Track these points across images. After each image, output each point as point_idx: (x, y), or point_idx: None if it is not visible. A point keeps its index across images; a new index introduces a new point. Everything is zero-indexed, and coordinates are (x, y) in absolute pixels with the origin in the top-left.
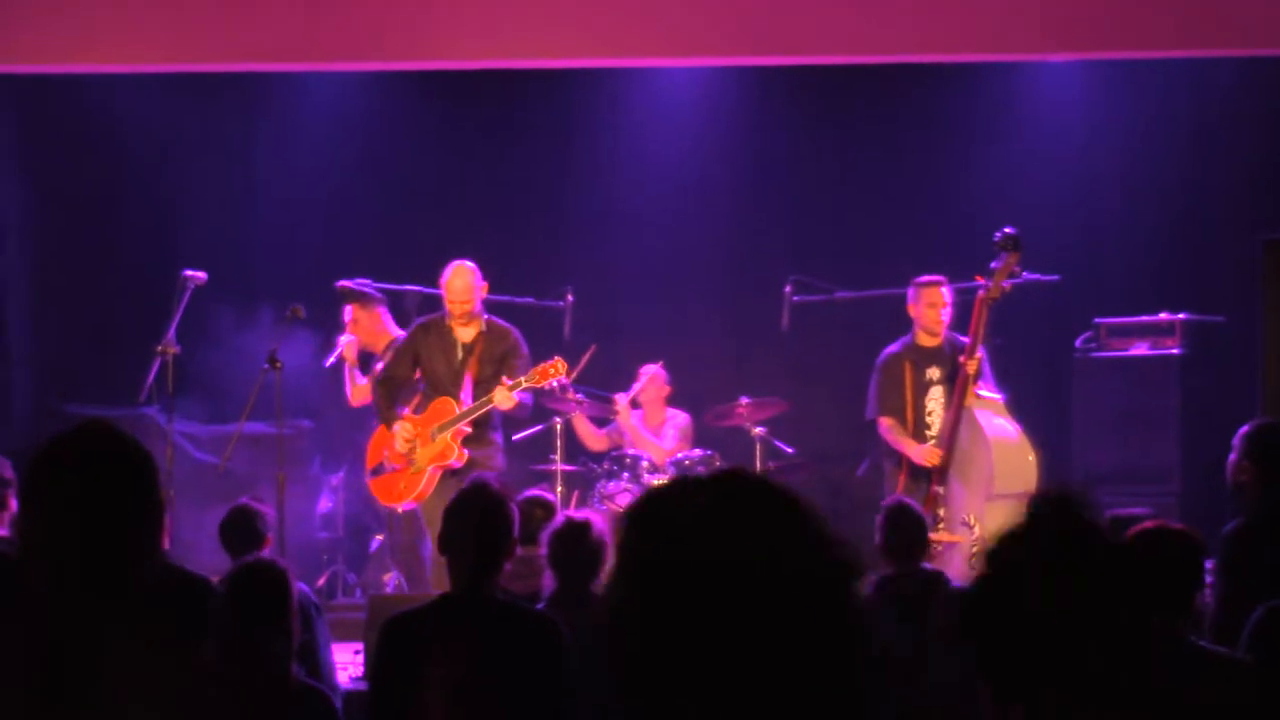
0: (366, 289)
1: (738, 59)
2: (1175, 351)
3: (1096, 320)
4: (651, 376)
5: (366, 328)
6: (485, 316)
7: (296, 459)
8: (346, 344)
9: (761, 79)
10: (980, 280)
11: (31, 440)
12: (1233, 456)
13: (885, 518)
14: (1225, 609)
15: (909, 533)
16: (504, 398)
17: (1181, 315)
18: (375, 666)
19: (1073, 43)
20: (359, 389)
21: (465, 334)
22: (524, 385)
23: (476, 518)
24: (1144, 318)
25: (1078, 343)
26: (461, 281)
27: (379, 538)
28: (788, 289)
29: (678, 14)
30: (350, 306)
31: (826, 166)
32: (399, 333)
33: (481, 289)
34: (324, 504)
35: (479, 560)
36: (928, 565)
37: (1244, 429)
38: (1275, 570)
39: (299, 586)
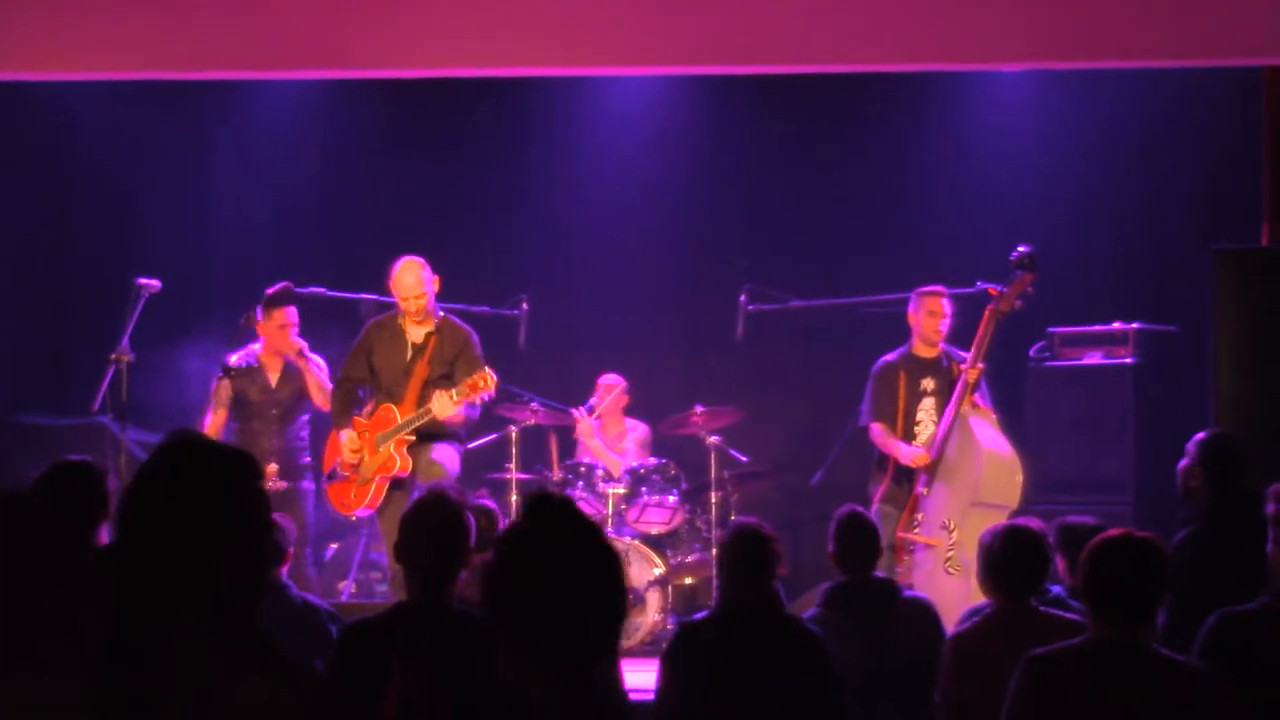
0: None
1: (692, 68)
2: (1129, 361)
3: (1050, 330)
4: (612, 390)
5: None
6: (440, 315)
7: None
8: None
9: (716, 88)
10: (990, 291)
11: None
12: (1184, 462)
13: (837, 526)
14: (1177, 615)
15: (861, 542)
16: (442, 406)
17: (1135, 325)
18: (332, 673)
19: (1026, 53)
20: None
21: (416, 334)
22: (454, 398)
23: (432, 526)
24: (1098, 327)
25: (1032, 352)
26: (412, 276)
27: (334, 546)
28: (742, 298)
29: (632, 23)
30: (293, 309)
31: (780, 176)
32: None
33: (433, 282)
34: None
35: (435, 569)
36: (881, 573)
37: (1198, 436)
38: (1225, 577)
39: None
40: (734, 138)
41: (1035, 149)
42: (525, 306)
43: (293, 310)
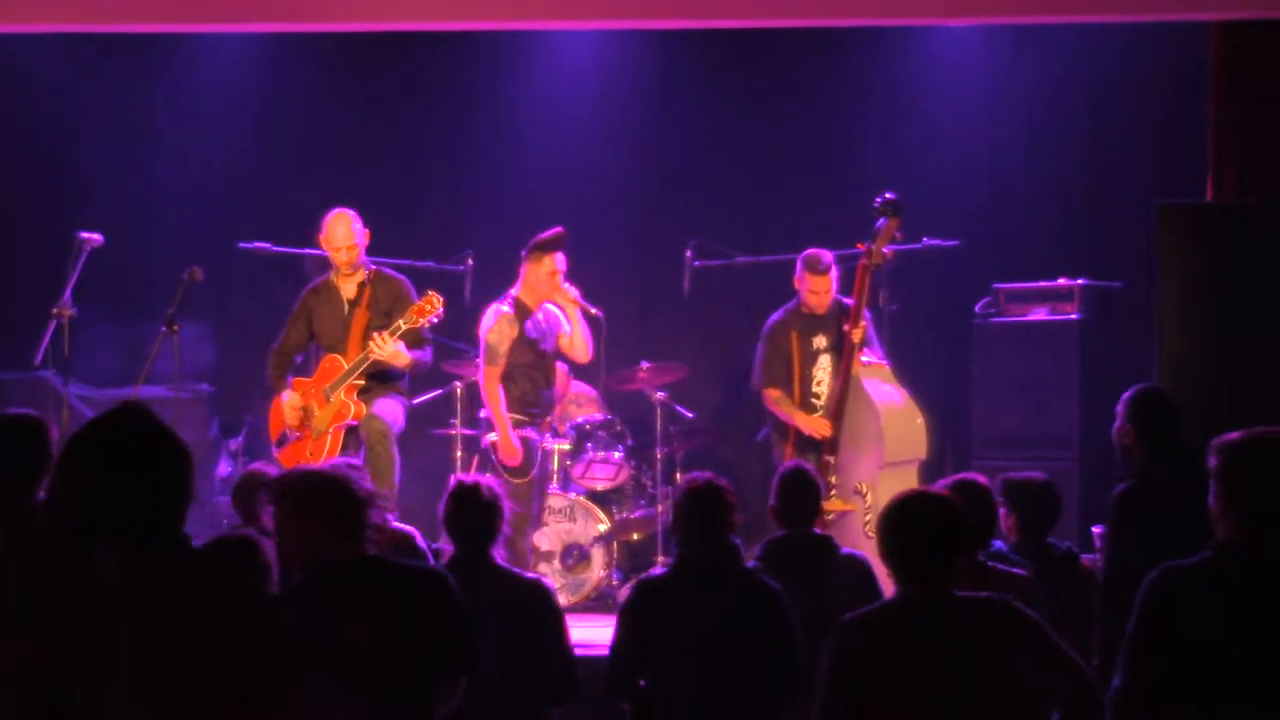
0: None
1: (640, 22)
2: (1074, 317)
3: (995, 285)
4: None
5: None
6: (370, 267)
7: (195, 423)
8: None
9: (662, 43)
10: (861, 247)
11: None
12: (1117, 422)
13: (779, 481)
14: (1115, 570)
15: (802, 497)
16: (380, 345)
17: (1080, 281)
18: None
19: (973, 8)
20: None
21: (349, 288)
22: (402, 328)
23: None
24: (1043, 283)
25: (977, 308)
26: (343, 228)
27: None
28: (688, 253)
29: None
30: (561, 255)
31: (727, 131)
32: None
33: (363, 234)
34: (223, 468)
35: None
36: (818, 530)
37: (1126, 394)
38: (1160, 530)
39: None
40: (681, 93)
41: (982, 105)
42: (470, 262)
43: (561, 256)
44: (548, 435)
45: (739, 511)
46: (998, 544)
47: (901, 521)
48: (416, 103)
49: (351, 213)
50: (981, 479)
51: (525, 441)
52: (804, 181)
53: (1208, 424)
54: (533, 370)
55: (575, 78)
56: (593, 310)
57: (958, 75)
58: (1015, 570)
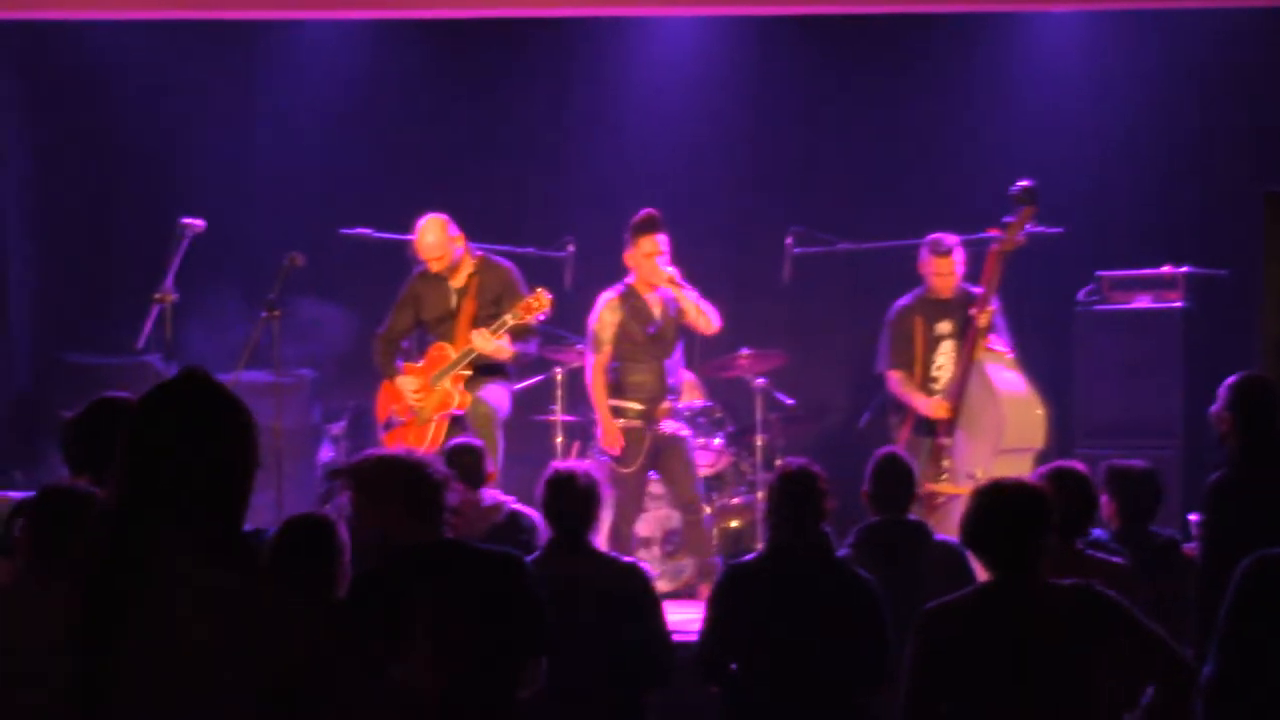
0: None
1: (738, 8)
2: (1178, 305)
3: (1099, 273)
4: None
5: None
6: (477, 254)
7: (296, 409)
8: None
9: (764, 29)
10: (993, 232)
11: (31, 390)
12: (1214, 407)
13: (874, 467)
14: (1211, 558)
15: (896, 483)
16: (483, 341)
17: (1184, 268)
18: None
19: None
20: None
21: (458, 278)
22: (509, 323)
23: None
24: (1146, 270)
25: (1080, 295)
26: (433, 237)
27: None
28: (789, 240)
29: None
30: (661, 237)
31: (828, 118)
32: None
33: (455, 239)
34: (325, 453)
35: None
36: (913, 516)
37: (1227, 381)
38: (1256, 519)
39: None
40: (781, 79)
41: (1085, 91)
42: (571, 248)
43: (662, 237)
44: (666, 421)
45: (832, 499)
46: (1097, 532)
47: (987, 509)
48: (516, 88)
49: (443, 218)
50: (1081, 466)
51: (629, 431)
52: (905, 168)
53: None
54: (643, 356)
55: (674, 63)
56: (687, 291)
57: (1060, 60)
58: (1113, 559)
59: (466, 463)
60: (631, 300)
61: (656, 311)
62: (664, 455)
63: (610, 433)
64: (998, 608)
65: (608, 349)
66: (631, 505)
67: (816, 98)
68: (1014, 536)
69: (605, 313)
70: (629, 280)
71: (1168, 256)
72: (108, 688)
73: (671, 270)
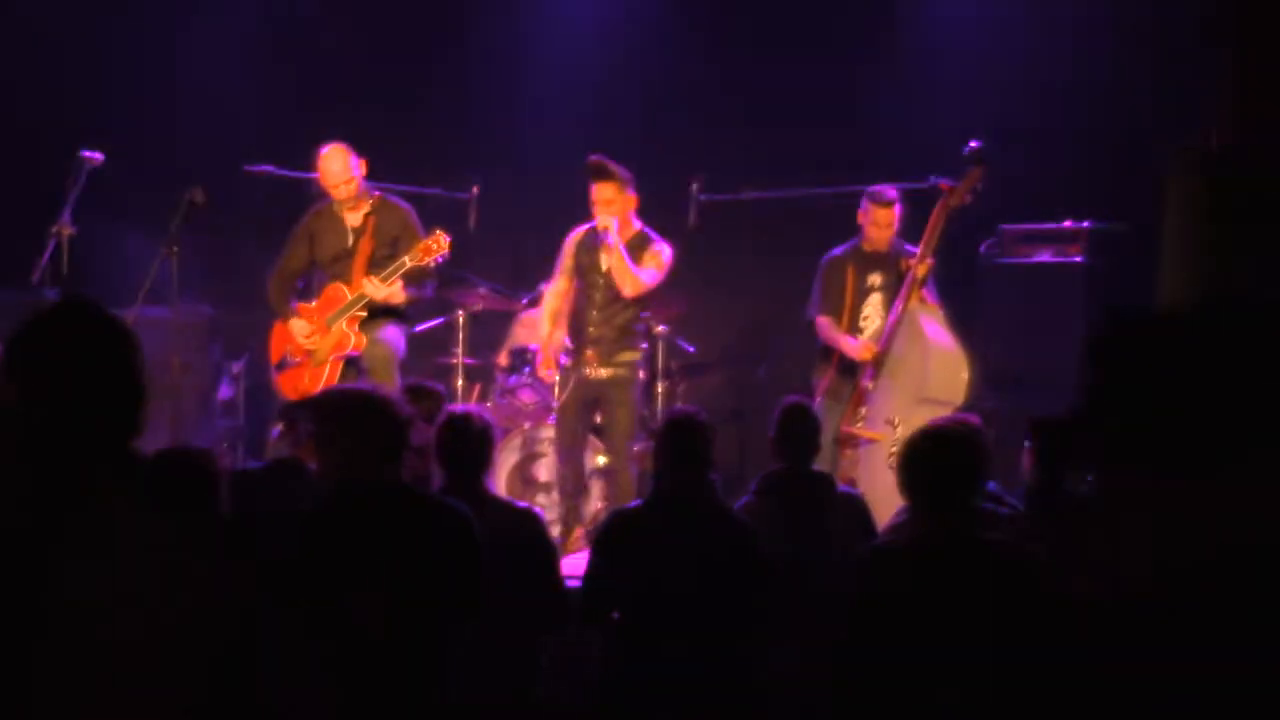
0: (613, 166)
1: None
2: (1079, 259)
3: (1001, 227)
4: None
5: (621, 209)
6: (375, 194)
7: (194, 345)
8: (612, 223)
9: None
10: (942, 185)
11: None
12: None
13: (781, 415)
14: None
15: (802, 432)
16: (375, 288)
17: (1086, 223)
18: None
19: None
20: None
21: (354, 217)
22: (407, 265)
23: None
24: (1048, 225)
25: (982, 248)
26: (337, 163)
27: (280, 426)
28: (694, 186)
29: None
30: (598, 185)
31: (736, 63)
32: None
33: (359, 166)
34: (225, 391)
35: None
36: (817, 467)
37: None
38: None
39: None
40: (689, 22)
41: (990, 45)
42: (476, 190)
43: (600, 186)
44: (601, 367)
45: (718, 447)
46: (991, 485)
47: (922, 451)
48: (422, 28)
49: (344, 146)
50: (975, 419)
51: (563, 367)
52: (812, 116)
53: None
54: (581, 296)
55: (585, 5)
56: (615, 246)
57: (966, 14)
58: (1001, 509)
59: (428, 406)
60: (589, 240)
61: (600, 256)
62: (600, 402)
63: (544, 360)
64: (934, 558)
65: (560, 279)
66: (562, 443)
67: (725, 42)
68: (941, 480)
69: (567, 244)
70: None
71: (1070, 211)
72: (32, 639)
73: (609, 222)
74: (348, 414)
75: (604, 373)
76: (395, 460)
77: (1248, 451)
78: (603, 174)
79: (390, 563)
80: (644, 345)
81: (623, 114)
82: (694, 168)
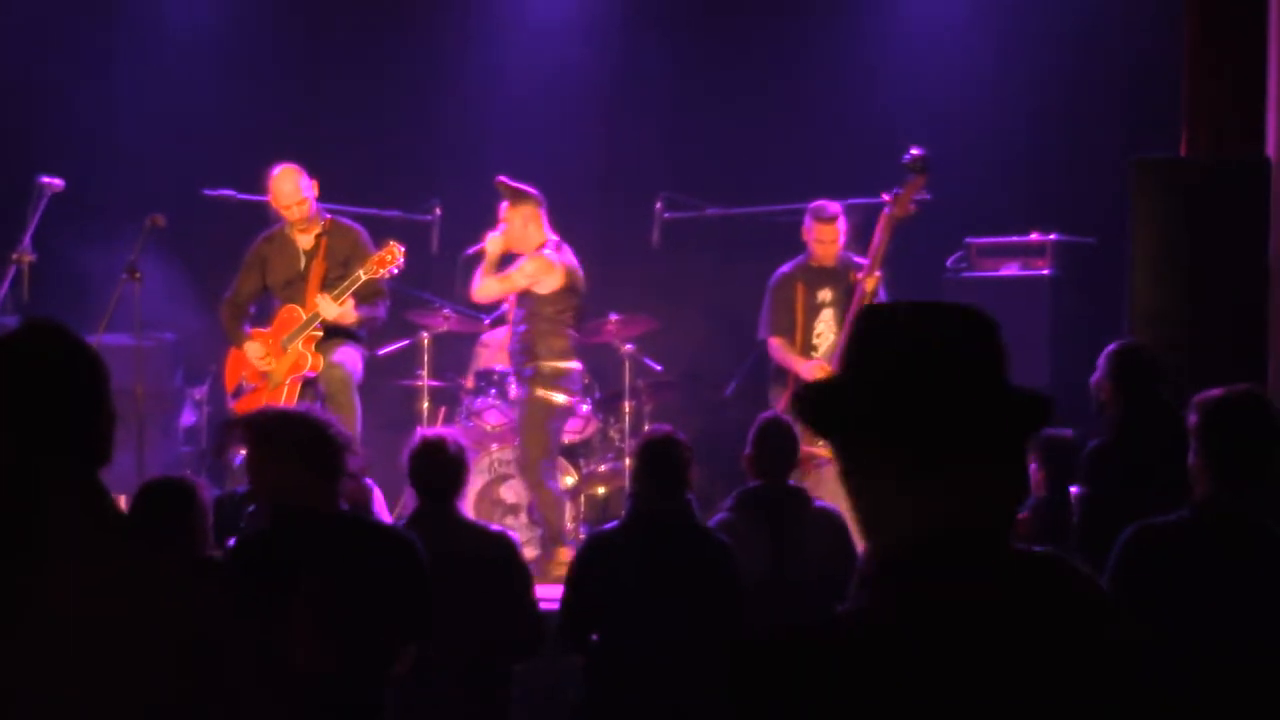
0: (523, 189)
1: None
2: (1045, 273)
3: (967, 240)
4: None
5: (517, 228)
6: (326, 217)
7: (158, 372)
8: (492, 239)
9: None
10: (885, 197)
11: None
12: (1094, 377)
13: (757, 431)
14: (1090, 529)
15: (778, 448)
16: (328, 306)
17: (1052, 236)
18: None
19: None
20: (485, 286)
21: (305, 240)
22: (362, 278)
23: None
24: (1015, 238)
25: (948, 262)
26: (289, 184)
27: (243, 452)
28: (659, 205)
29: None
30: (504, 204)
31: (698, 81)
32: (552, 236)
33: (311, 187)
34: (187, 418)
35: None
36: (793, 482)
37: (1108, 348)
38: (1134, 487)
39: None
40: (651, 40)
41: (955, 58)
42: (438, 211)
43: (503, 205)
44: (520, 385)
45: (695, 467)
46: None
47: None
48: (381, 50)
49: (295, 167)
50: None
51: None
52: (773, 132)
53: (1180, 381)
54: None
55: (546, 22)
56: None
57: (930, 27)
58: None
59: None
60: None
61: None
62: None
63: None
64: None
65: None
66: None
67: (687, 60)
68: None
69: None
70: None
71: (1036, 224)
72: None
73: (489, 235)
74: (281, 434)
75: (520, 390)
76: (331, 484)
77: None
78: (506, 193)
79: (322, 592)
80: (574, 364)
81: (585, 133)
82: (658, 186)
